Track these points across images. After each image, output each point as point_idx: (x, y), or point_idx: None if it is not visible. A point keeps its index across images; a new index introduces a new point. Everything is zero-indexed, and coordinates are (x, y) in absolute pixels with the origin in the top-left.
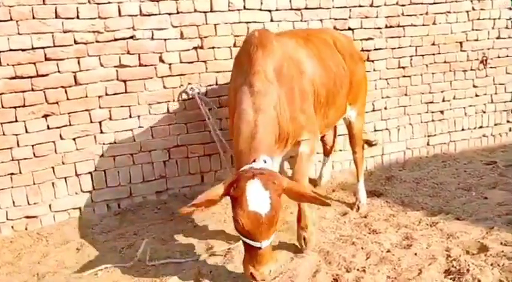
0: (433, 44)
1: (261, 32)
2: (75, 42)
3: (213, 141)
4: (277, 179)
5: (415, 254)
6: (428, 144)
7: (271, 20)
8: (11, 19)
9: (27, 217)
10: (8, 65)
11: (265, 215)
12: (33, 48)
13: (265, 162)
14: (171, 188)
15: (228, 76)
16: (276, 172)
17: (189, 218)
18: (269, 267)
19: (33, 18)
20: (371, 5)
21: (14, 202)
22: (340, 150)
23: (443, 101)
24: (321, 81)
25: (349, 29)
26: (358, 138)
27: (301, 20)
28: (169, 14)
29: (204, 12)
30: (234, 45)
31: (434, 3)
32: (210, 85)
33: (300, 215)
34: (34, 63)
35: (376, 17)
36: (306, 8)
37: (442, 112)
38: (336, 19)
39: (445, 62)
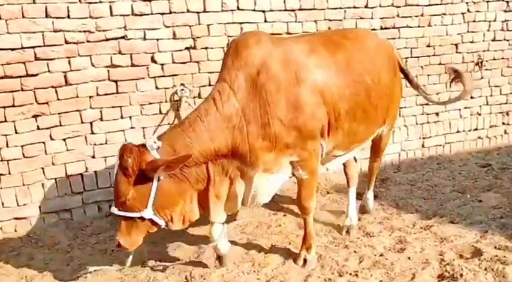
0: (428, 46)
1: (241, 38)
2: (66, 42)
3: None
4: (139, 157)
5: (409, 258)
6: (423, 146)
7: (265, 21)
8: (1, 18)
9: (17, 218)
10: None
11: (114, 180)
12: (23, 48)
13: (154, 142)
14: None
15: None
16: (146, 151)
17: None
18: (118, 238)
19: (23, 17)
20: (366, 6)
21: (3, 203)
22: None
23: None
24: (340, 93)
25: None
26: (383, 150)
27: (295, 21)
28: (162, 14)
29: (197, 12)
30: (227, 46)
31: (430, 4)
32: (203, 86)
33: (306, 235)
34: (24, 63)
35: (371, 18)
36: (300, 9)
37: (437, 114)
38: (330, 20)
39: (440, 63)
